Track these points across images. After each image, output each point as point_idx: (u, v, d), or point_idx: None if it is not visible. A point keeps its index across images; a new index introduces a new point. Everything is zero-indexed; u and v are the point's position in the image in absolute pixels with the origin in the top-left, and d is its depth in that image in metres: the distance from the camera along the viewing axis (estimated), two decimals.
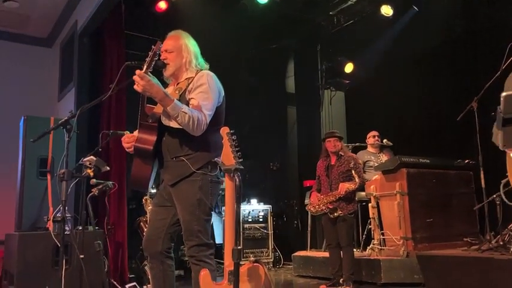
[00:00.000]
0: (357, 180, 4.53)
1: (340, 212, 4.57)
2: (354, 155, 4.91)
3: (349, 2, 7.23)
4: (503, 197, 2.33)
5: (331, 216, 4.62)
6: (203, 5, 6.01)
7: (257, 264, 2.15)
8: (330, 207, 4.62)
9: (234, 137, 2.22)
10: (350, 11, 7.35)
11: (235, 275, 1.98)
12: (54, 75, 6.85)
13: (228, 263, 2.13)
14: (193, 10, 5.86)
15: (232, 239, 2.11)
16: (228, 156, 2.19)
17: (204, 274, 2.29)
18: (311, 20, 7.63)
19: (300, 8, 7.21)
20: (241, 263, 2.11)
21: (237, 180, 2.07)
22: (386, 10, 6.51)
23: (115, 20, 5.87)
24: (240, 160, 2.14)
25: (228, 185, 2.22)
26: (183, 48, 2.79)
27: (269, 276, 2.15)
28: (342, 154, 4.77)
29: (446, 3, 6.11)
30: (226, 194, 2.23)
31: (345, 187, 4.53)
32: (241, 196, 2.06)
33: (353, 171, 4.59)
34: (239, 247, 1.99)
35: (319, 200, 4.73)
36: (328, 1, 7.25)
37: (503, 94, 1.65)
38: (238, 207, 2.05)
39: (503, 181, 2.28)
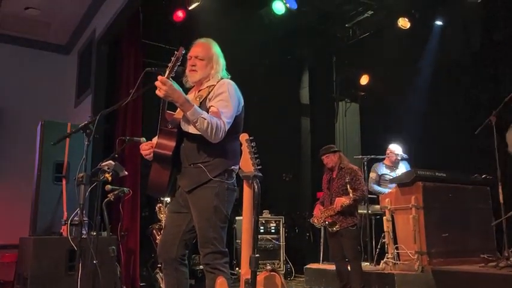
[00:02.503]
0: (351, 195, 4.44)
1: (337, 226, 4.51)
2: (354, 167, 4.76)
3: (366, 15, 7.25)
4: None
5: (330, 230, 4.58)
6: (220, 15, 6.05)
7: (274, 273, 2.12)
8: (329, 221, 4.58)
9: (253, 144, 2.21)
10: (366, 24, 7.35)
11: (252, 284, 1.95)
12: (71, 82, 6.93)
13: (245, 271, 2.11)
14: (211, 20, 5.89)
15: (249, 247, 2.09)
16: (246, 163, 2.17)
17: (221, 281, 2.27)
18: (327, 31, 7.65)
19: (316, 19, 7.23)
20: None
21: (256, 187, 2.05)
22: (403, 23, 6.49)
23: (133, 29, 5.94)
24: (259, 167, 2.13)
25: (246, 192, 2.20)
26: (215, 60, 2.81)
27: (285, 286, 2.12)
28: (343, 167, 4.71)
29: (466, 15, 6.08)
30: (244, 201, 2.21)
31: (340, 202, 4.46)
32: (259, 203, 2.04)
33: (348, 186, 4.50)
34: (257, 255, 1.96)
35: (321, 213, 4.70)
36: (345, 13, 7.27)
37: None
38: (257, 215, 2.02)
39: None
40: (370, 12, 7.14)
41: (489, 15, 5.90)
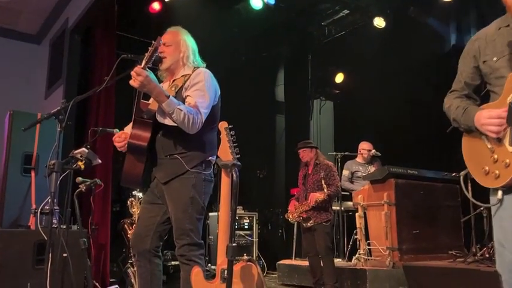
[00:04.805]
0: (325, 190, 4.48)
1: (311, 222, 4.55)
2: (329, 163, 4.82)
3: (342, 14, 7.32)
4: (466, 191, 2.11)
5: (305, 225, 4.62)
6: (198, 8, 5.99)
7: (250, 263, 2.10)
8: (303, 216, 4.61)
9: (232, 133, 2.18)
10: (342, 22, 7.44)
11: (228, 273, 1.92)
12: (42, 73, 6.73)
13: (221, 261, 2.08)
14: (187, 12, 5.82)
15: (226, 236, 2.07)
16: (225, 152, 2.15)
17: (197, 271, 2.24)
18: (303, 29, 7.69)
19: (293, 17, 7.26)
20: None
21: (234, 176, 2.03)
22: (379, 22, 6.58)
23: (107, 20, 5.79)
24: (238, 156, 2.11)
25: (224, 181, 2.18)
26: (182, 43, 2.77)
27: (262, 277, 2.11)
28: (318, 163, 4.74)
29: (439, 14, 6.21)
30: (222, 190, 2.18)
31: (314, 197, 4.49)
32: (238, 192, 2.02)
33: (323, 181, 4.54)
34: (234, 244, 1.94)
35: (295, 209, 4.72)
36: (321, 11, 7.33)
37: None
38: (235, 204, 2.00)
39: (463, 173, 2.03)
40: (346, 11, 7.22)
41: (461, 15, 6.04)
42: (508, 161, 1.65)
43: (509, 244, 1.67)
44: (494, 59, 1.76)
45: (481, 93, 1.91)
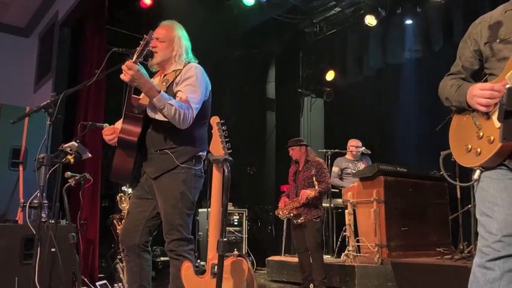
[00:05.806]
0: (316, 187, 4.49)
1: (301, 218, 4.57)
2: (320, 160, 4.84)
3: (333, 11, 7.33)
4: (445, 173, 2.06)
5: (295, 222, 4.63)
6: (189, 3, 5.96)
7: (241, 258, 2.10)
8: (294, 213, 4.63)
9: (224, 128, 2.18)
10: (334, 20, 7.45)
11: (219, 268, 1.92)
12: (30, 66, 6.65)
13: (212, 255, 2.08)
14: (178, 8, 5.79)
15: (217, 231, 2.07)
16: (217, 147, 2.14)
17: (187, 266, 2.23)
18: (295, 26, 7.69)
19: (285, 14, 7.24)
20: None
21: (226, 170, 2.02)
22: (370, 20, 6.59)
23: (98, 14, 5.75)
24: (229, 151, 2.10)
25: (215, 176, 2.17)
26: (176, 41, 2.74)
27: (252, 272, 2.11)
28: (309, 160, 4.76)
29: (429, 14, 6.25)
30: (213, 185, 2.18)
31: (305, 194, 4.51)
32: (229, 187, 2.02)
33: (314, 178, 4.56)
34: (225, 239, 1.94)
35: (285, 206, 4.74)
36: (313, 9, 7.32)
37: (508, 86, 1.57)
38: (226, 199, 2.00)
39: (444, 153, 1.94)
40: (337, 9, 7.23)
41: (451, 15, 6.07)
42: (492, 137, 1.61)
43: (495, 212, 1.63)
44: (498, 40, 1.72)
45: (479, 80, 1.86)
